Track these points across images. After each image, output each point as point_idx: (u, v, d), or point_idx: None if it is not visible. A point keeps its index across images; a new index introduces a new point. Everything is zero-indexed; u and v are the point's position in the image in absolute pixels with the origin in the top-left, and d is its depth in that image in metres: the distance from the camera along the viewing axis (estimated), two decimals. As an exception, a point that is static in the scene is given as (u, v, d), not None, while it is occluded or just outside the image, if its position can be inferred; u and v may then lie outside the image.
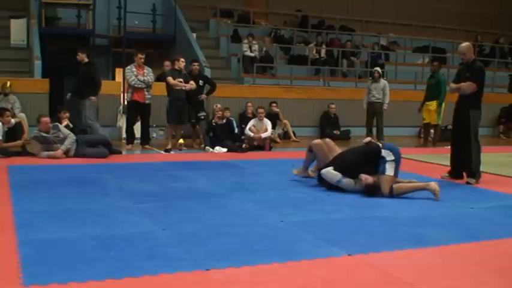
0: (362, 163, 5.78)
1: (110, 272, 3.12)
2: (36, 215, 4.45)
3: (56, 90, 11.48)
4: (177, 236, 3.96)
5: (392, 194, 5.52)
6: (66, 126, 8.86)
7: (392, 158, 5.63)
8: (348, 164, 5.86)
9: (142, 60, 9.47)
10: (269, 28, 16.18)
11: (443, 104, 10.86)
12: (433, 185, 5.58)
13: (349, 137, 12.60)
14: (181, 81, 9.37)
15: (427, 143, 11.24)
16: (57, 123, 8.32)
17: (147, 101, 9.49)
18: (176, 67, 9.51)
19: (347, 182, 5.78)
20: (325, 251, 3.68)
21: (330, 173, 5.84)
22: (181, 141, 9.55)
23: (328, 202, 5.35)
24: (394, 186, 5.55)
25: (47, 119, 8.04)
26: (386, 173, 5.59)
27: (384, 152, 5.67)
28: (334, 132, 12.52)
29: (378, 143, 6.05)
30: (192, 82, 9.49)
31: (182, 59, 9.60)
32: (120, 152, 8.74)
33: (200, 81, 10.07)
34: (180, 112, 9.44)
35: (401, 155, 5.84)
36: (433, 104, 11.04)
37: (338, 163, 5.92)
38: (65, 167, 7.20)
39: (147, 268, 3.21)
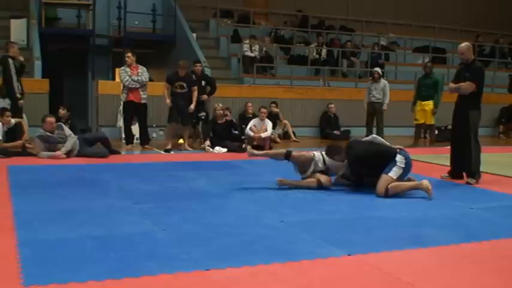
0: (371, 159, 5.75)
1: (110, 272, 3.12)
2: (36, 215, 4.46)
3: (56, 90, 11.49)
4: (177, 236, 3.97)
5: (387, 194, 5.51)
6: (65, 123, 8.81)
7: (403, 166, 5.66)
8: (358, 155, 5.81)
9: (129, 60, 9.39)
10: (269, 28, 16.17)
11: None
12: (426, 183, 5.58)
13: (349, 137, 12.56)
14: (181, 85, 9.37)
15: (418, 143, 11.18)
16: (61, 123, 8.31)
17: (143, 101, 9.46)
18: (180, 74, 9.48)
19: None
20: (325, 251, 3.68)
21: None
22: (181, 141, 9.55)
23: (328, 202, 5.35)
24: (389, 186, 5.55)
25: (52, 119, 8.02)
26: (388, 174, 5.60)
27: (398, 157, 5.69)
28: (334, 132, 12.52)
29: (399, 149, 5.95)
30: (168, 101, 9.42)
31: (181, 65, 9.48)
32: (119, 152, 8.73)
33: (202, 81, 10.07)
34: (179, 112, 9.45)
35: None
36: (429, 104, 11.06)
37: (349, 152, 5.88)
38: (65, 167, 7.20)
39: (147, 268, 3.21)
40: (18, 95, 9.02)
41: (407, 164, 5.70)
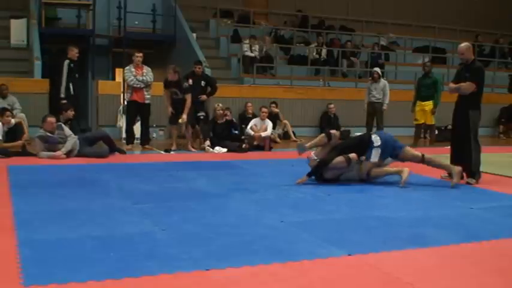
0: (354, 147, 6.37)
1: (109, 272, 3.12)
2: (36, 215, 4.46)
3: (56, 90, 11.47)
4: (177, 236, 3.97)
5: (368, 176, 6.24)
6: (66, 123, 8.75)
7: (379, 143, 6.22)
8: (342, 146, 6.44)
9: (140, 59, 9.43)
10: (269, 28, 16.17)
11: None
12: (405, 170, 6.09)
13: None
14: (175, 91, 9.34)
15: (418, 143, 11.16)
16: (61, 123, 8.26)
17: (146, 101, 9.48)
18: (169, 78, 9.41)
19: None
20: (325, 251, 3.68)
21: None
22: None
23: (328, 202, 5.36)
24: (371, 171, 6.22)
25: (52, 119, 7.99)
26: (370, 160, 6.22)
27: (373, 137, 6.31)
28: (334, 132, 12.52)
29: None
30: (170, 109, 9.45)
31: (171, 70, 9.41)
32: (124, 152, 8.71)
33: (202, 82, 10.06)
34: (178, 114, 9.47)
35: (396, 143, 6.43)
36: (429, 104, 11.07)
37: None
38: (65, 167, 7.20)
39: (147, 268, 3.21)
40: (62, 95, 9.37)
41: (384, 141, 6.26)
